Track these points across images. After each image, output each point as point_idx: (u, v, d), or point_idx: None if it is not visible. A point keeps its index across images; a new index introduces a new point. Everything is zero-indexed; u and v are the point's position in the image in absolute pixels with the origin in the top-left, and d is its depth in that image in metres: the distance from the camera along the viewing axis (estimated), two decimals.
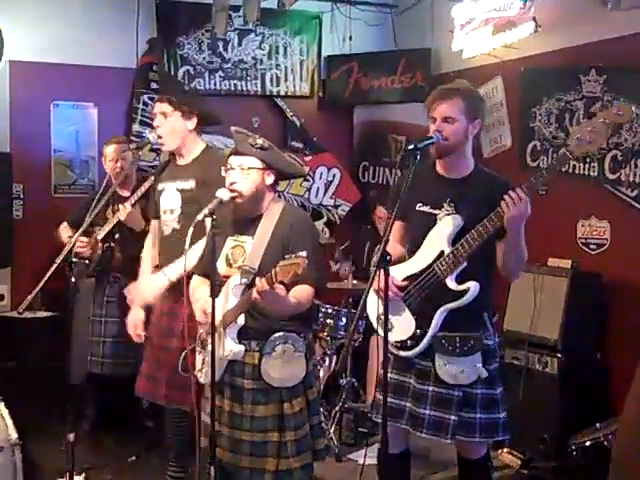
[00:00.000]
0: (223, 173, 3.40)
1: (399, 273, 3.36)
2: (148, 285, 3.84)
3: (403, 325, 3.36)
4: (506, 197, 3.06)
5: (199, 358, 3.50)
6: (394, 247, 3.45)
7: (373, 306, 3.38)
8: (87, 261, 4.62)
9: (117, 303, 4.75)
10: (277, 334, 3.31)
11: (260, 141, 3.32)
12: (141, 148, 4.24)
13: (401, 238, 3.50)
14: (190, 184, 3.84)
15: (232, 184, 3.30)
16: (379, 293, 2.97)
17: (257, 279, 3.09)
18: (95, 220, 4.20)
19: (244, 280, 3.27)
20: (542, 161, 5.31)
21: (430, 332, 3.29)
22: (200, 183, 3.81)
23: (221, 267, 3.39)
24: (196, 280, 3.55)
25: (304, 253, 2.94)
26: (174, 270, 3.75)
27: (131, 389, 4.02)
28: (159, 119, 3.87)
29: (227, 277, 3.36)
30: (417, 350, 3.33)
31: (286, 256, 2.98)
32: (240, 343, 3.31)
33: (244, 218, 3.39)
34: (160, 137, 3.87)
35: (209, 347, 3.29)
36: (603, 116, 2.88)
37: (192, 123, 3.91)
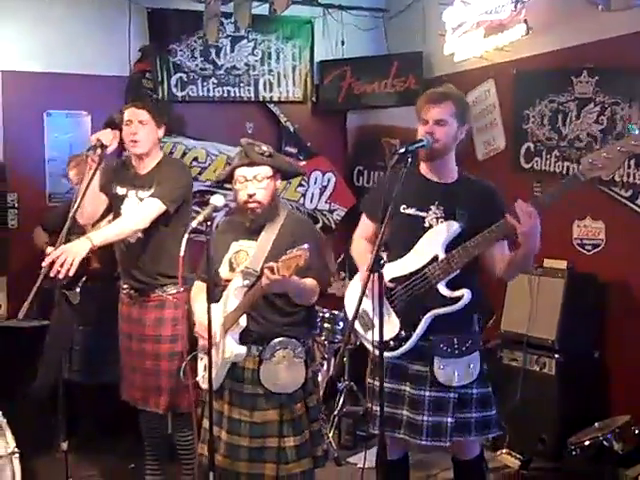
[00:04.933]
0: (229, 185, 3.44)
1: (387, 273, 3.32)
2: (72, 247, 3.60)
3: (386, 325, 3.32)
4: (517, 211, 3.03)
5: (201, 363, 3.50)
6: (359, 243, 3.52)
7: (353, 304, 3.30)
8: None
9: (91, 313, 4.74)
10: (277, 339, 3.32)
11: (265, 148, 3.37)
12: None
13: (371, 237, 3.50)
14: (149, 193, 3.85)
15: (251, 196, 3.32)
16: (371, 294, 2.96)
17: (265, 269, 3.07)
18: (73, 229, 4.17)
19: (246, 282, 3.29)
20: (536, 163, 5.33)
21: (415, 335, 3.29)
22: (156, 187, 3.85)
23: (224, 271, 3.42)
24: (197, 286, 3.57)
25: (306, 245, 2.96)
26: (100, 235, 3.71)
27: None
28: (136, 126, 3.86)
29: (229, 281, 3.37)
30: (400, 351, 3.32)
31: (288, 250, 2.99)
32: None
33: (252, 220, 3.38)
34: (135, 141, 3.87)
35: (213, 351, 3.29)
36: (620, 144, 2.90)
37: (161, 132, 3.98)
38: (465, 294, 3.23)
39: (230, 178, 3.43)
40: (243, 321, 3.28)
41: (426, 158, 3.34)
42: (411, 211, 3.35)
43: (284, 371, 3.32)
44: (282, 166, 3.45)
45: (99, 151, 3.77)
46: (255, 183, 3.33)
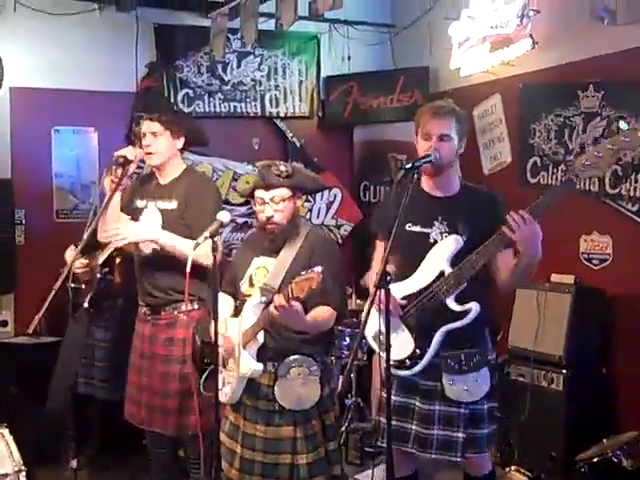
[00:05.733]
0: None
1: (398, 292, 3.36)
2: (138, 228, 3.79)
3: (401, 344, 3.35)
4: (509, 219, 3.05)
5: (220, 378, 3.52)
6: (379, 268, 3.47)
7: (371, 325, 3.34)
8: (84, 285, 4.62)
9: (114, 328, 4.74)
10: (293, 357, 3.34)
11: (283, 168, 3.35)
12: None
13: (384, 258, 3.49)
14: (172, 205, 3.88)
15: (269, 219, 3.35)
16: (380, 310, 2.96)
17: (275, 296, 3.12)
18: (99, 244, 4.20)
19: (263, 298, 3.31)
20: (542, 177, 5.32)
21: (430, 351, 3.30)
22: (183, 204, 3.86)
23: (244, 287, 3.46)
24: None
25: (319, 268, 2.96)
26: (167, 238, 3.75)
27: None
28: (149, 138, 3.89)
29: (249, 296, 3.42)
30: (416, 369, 3.33)
31: (302, 272, 3.00)
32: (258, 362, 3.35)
33: (271, 240, 3.42)
34: (150, 153, 3.89)
35: (229, 366, 3.38)
36: (610, 142, 2.87)
37: (180, 143, 3.96)
38: (473, 307, 3.22)
39: (252, 196, 3.46)
40: (260, 337, 3.31)
41: (431, 174, 3.34)
42: (416, 229, 3.36)
43: (299, 388, 3.33)
44: (301, 184, 3.42)
45: (126, 167, 3.84)
46: (272, 205, 3.35)
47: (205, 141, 4.30)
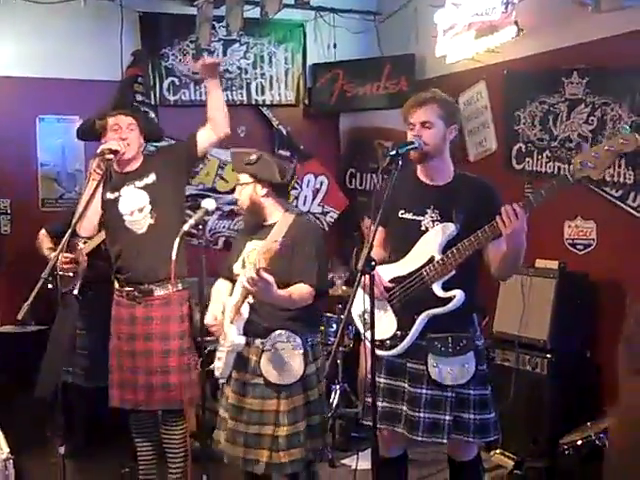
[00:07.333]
0: None
1: (386, 274, 3.41)
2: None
3: (384, 325, 3.40)
4: (503, 213, 3.05)
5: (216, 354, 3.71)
6: (377, 252, 3.49)
7: (357, 304, 3.33)
8: (72, 274, 4.64)
9: (97, 316, 4.75)
10: (278, 332, 3.52)
11: (254, 157, 3.57)
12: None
13: (383, 242, 3.55)
14: (151, 178, 4.02)
15: (236, 200, 3.69)
16: (365, 290, 2.99)
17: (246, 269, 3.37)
18: (75, 237, 4.23)
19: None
20: (527, 163, 5.35)
21: (411, 335, 3.33)
22: (161, 171, 4.03)
23: (237, 268, 3.66)
24: (219, 283, 3.81)
25: (280, 240, 3.21)
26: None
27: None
28: (126, 130, 4.01)
29: None
30: (395, 351, 3.38)
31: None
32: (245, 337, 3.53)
33: (262, 225, 3.65)
34: (128, 144, 3.99)
35: (222, 342, 3.59)
36: (609, 144, 2.89)
37: (142, 138, 4.15)
38: (457, 295, 3.25)
39: None
40: (245, 312, 3.49)
41: (417, 161, 3.36)
42: (408, 216, 3.38)
43: (283, 362, 3.49)
44: (259, 173, 3.58)
45: (111, 156, 3.91)
46: (238, 188, 3.64)
47: (160, 137, 4.55)
